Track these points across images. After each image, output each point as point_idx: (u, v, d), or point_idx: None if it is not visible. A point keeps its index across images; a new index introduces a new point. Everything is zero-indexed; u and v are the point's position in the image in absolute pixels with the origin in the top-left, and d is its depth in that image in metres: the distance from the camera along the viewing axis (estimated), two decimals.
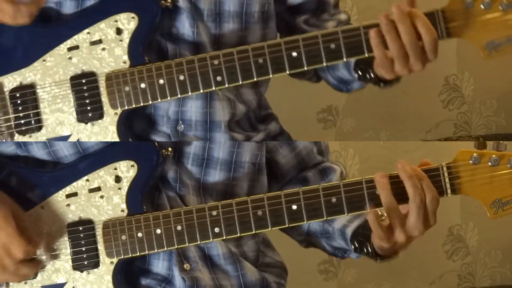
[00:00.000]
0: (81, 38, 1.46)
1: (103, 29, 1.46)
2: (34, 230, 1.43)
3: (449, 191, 1.41)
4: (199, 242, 1.43)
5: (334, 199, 1.41)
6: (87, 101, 1.46)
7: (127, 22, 1.45)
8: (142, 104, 1.45)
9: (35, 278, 1.46)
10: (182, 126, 1.49)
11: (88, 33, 1.46)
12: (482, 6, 1.40)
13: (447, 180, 1.40)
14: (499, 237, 2.91)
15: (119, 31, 1.46)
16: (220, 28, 1.50)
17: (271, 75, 1.44)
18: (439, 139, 2.90)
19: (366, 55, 1.42)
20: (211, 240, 1.43)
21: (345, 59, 1.43)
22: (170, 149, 1.46)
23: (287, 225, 1.42)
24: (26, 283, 1.45)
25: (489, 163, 1.40)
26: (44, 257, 1.45)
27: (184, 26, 1.48)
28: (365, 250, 1.48)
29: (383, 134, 2.89)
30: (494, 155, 1.40)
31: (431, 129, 2.95)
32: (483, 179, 1.41)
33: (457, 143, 2.86)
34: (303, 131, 2.65)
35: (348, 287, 2.80)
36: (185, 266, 1.47)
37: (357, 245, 1.49)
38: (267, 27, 1.55)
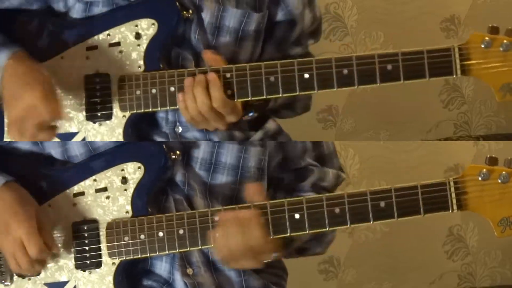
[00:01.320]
0: (101, 38, 1.47)
1: (123, 32, 1.47)
2: (50, 230, 1.44)
3: (455, 206, 1.38)
4: (200, 247, 1.43)
5: (337, 210, 1.41)
6: (98, 101, 1.46)
7: (147, 27, 1.46)
8: (151, 109, 1.45)
9: (38, 275, 1.46)
10: (180, 128, 1.50)
11: (108, 34, 1.46)
12: (501, 48, 1.38)
13: (453, 195, 1.38)
14: None
15: (138, 36, 1.46)
16: (216, 41, 1.51)
17: (281, 94, 1.44)
18: (439, 139, 2.90)
19: (378, 83, 1.42)
20: (212, 245, 1.43)
21: (356, 86, 1.42)
22: (178, 152, 1.47)
23: (288, 234, 1.42)
24: (29, 279, 1.46)
25: (499, 180, 1.37)
26: (56, 253, 1.46)
27: (189, 31, 1.49)
28: None
29: (383, 134, 2.89)
30: (504, 172, 1.37)
31: (431, 129, 2.94)
32: (491, 196, 1.37)
33: (457, 143, 2.86)
34: (303, 131, 2.64)
35: (348, 287, 2.80)
36: (188, 271, 1.47)
37: None
38: (257, 45, 1.57)
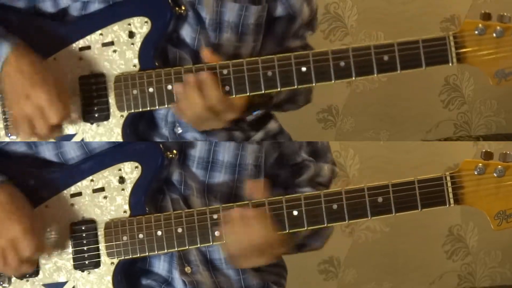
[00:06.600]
0: (94, 38, 1.46)
1: (116, 31, 1.46)
2: (42, 232, 1.44)
3: (452, 201, 1.39)
4: (199, 245, 1.43)
5: (335, 206, 1.41)
6: (95, 102, 1.46)
7: (140, 26, 1.45)
8: (149, 108, 1.45)
9: (37, 276, 1.46)
10: (179, 128, 1.50)
11: (101, 34, 1.46)
12: (494, 34, 1.39)
13: (450, 190, 1.39)
14: (499, 237, 2.90)
15: (131, 35, 1.46)
16: (219, 38, 1.51)
17: (279, 88, 1.43)
18: (439, 139, 2.90)
19: (376, 74, 1.42)
20: (211, 243, 1.43)
21: (354, 78, 1.42)
22: (175, 151, 1.47)
23: (287, 231, 1.42)
24: (28, 281, 1.46)
25: (495, 174, 1.38)
26: (46, 255, 1.46)
27: (186, 31, 1.49)
28: None
29: (383, 134, 2.89)
30: (500, 166, 1.38)
31: (431, 129, 2.95)
32: (487, 190, 1.38)
33: (457, 143, 2.86)
34: (303, 131, 2.65)
35: (348, 287, 2.80)
36: (186, 269, 1.47)
37: None
38: (258, 39, 1.56)
